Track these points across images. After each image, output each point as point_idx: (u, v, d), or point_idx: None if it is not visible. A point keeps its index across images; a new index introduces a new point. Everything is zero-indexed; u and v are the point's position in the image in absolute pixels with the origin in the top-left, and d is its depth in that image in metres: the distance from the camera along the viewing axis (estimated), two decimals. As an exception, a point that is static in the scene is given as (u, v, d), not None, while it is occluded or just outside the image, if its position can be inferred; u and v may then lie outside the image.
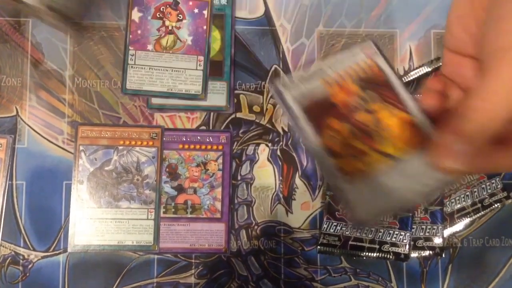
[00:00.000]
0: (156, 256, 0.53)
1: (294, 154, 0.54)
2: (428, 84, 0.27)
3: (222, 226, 0.53)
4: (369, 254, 0.52)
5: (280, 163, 0.54)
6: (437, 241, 0.53)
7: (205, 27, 0.54)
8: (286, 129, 0.54)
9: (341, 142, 0.27)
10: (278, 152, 0.54)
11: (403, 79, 0.53)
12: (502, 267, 0.54)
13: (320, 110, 0.27)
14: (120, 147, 0.53)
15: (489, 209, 0.54)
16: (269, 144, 0.54)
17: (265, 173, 0.54)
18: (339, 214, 0.53)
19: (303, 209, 0.54)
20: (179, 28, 0.54)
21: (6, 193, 0.52)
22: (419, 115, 0.27)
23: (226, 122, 0.54)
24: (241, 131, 0.54)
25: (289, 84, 0.27)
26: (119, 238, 0.52)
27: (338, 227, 0.52)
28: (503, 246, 0.54)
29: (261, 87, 0.54)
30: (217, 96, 0.54)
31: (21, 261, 0.52)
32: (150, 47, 0.53)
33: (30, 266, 0.52)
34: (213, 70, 0.54)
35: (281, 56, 0.55)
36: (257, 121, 0.54)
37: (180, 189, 0.53)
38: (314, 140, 0.26)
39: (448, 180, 0.26)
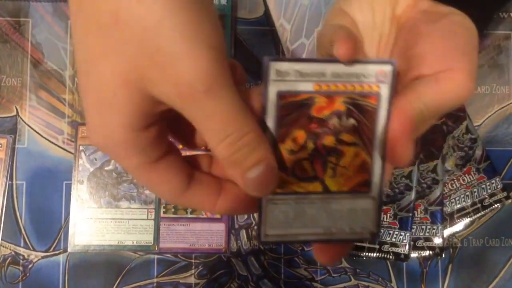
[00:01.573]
0: (156, 256, 0.53)
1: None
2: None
3: (222, 226, 0.53)
4: (369, 254, 0.52)
5: (280, 163, 0.54)
6: (437, 241, 0.53)
7: (205, 27, 0.54)
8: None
9: (295, 158, 0.25)
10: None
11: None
12: (502, 267, 0.54)
13: (294, 117, 0.24)
14: (120, 147, 0.53)
15: (489, 209, 0.54)
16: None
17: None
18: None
19: (303, 209, 0.54)
20: (179, 28, 0.54)
21: (6, 193, 0.52)
22: (378, 164, 0.25)
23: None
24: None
25: (282, 74, 0.24)
26: (119, 238, 0.52)
27: (338, 227, 0.52)
28: (503, 246, 0.54)
29: (261, 87, 0.54)
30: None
31: (21, 261, 0.52)
32: (150, 47, 0.53)
33: (30, 266, 0.52)
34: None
35: (281, 56, 0.55)
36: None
37: (180, 189, 0.53)
38: (269, 143, 0.24)
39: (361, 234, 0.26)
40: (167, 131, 0.25)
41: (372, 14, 0.29)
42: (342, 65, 0.24)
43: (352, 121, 0.24)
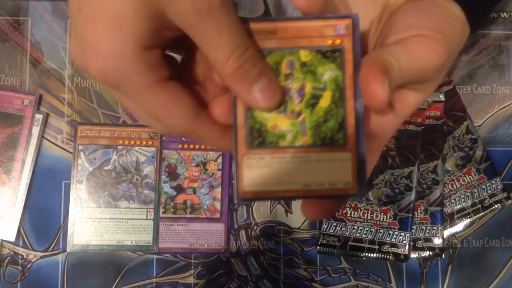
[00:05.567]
0: (155, 256, 0.52)
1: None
2: None
3: (221, 226, 0.53)
4: (369, 254, 0.52)
5: (280, 163, 0.54)
6: (437, 241, 0.52)
7: (205, 26, 0.54)
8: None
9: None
10: (278, 152, 0.54)
11: None
12: (502, 268, 0.54)
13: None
14: (120, 147, 0.53)
15: (489, 209, 0.53)
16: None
17: (264, 173, 0.54)
18: (339, 214, 0.53)
19: (303, 209, 0.54)
20: (178, 27, 0.54)
21: (5, 192, 0.52)
22: None
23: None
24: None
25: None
26: (118, 238, 0.52)
27: (338, 228, 0.52)
28: (503, 247, 0.54)
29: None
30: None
31: (20, 261, 0.52)
32: (149, 46, 0.53)
33: (29, 266, 0.52)
34: (212, 69, 0.54)
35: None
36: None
37: (179, 189, 0.53)
38: None
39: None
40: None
41: (365, 2, 0.30)
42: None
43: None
